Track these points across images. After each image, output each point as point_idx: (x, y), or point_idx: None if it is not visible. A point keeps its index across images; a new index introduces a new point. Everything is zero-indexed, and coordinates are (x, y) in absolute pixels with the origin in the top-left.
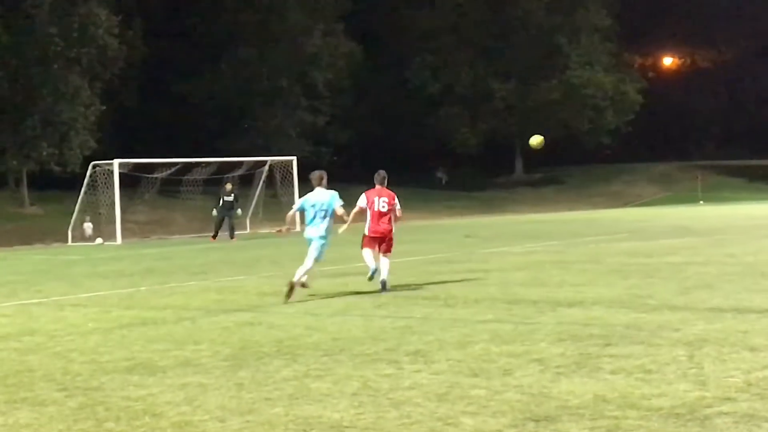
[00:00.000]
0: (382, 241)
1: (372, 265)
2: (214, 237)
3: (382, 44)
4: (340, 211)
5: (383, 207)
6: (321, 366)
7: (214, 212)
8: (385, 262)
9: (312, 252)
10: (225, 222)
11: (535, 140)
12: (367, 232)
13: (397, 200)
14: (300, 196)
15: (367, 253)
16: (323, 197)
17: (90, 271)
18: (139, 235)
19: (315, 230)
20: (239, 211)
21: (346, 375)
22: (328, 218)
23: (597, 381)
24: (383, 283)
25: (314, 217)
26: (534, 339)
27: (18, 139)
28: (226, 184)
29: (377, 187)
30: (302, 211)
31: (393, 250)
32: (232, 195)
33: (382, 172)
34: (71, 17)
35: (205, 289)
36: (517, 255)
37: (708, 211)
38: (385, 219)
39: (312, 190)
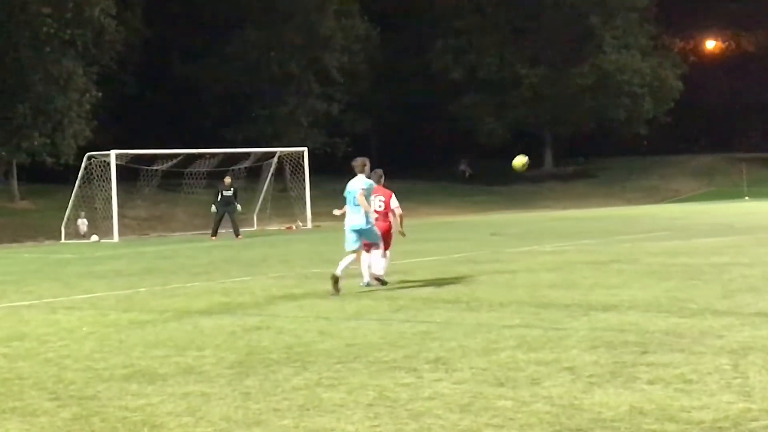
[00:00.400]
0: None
1: (367, 277)
2: (214, 235)
3: (401, 26)
4: (359, 196)
5: (379, 206)
6: (334, 374)
7: (213, 208)
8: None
9: (377, 243)
10: (226, 219)
11: (519, 161)
12: None
13: (394, 198)
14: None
15: (363, 259)
16: (358, 184)
17: (85, 271)
18: (137, 232)
19: (357, 218)
20: (239, 206)
21: (361, 384)
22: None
23: (633, 392)
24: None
25: (351, 207)
26: (565, 346)
27: (7, 128)
28: (225, 177)
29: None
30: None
31: (400, 249)
32: (232, 189)
33: (378, 171)
34: None
35: (209, 291)
36: (546, 254)
37: (754, 207)
38: (382, 218)
39: (353, 177)
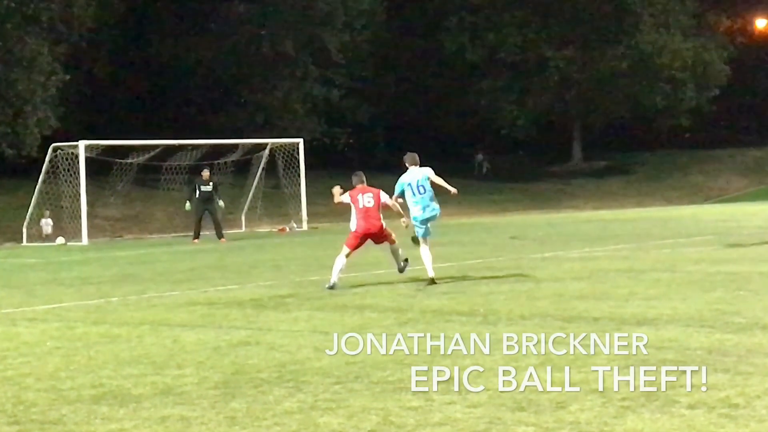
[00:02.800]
0: (375, 238)
1: (335, 278)
2: (196, 237)
3: (411, 0)
4: (437, 179)
5: (369, 202)
6: (332, 396)
7: (188, 206)
8: (395, 250)
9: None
10: (206, 218)
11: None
12: (354, 229)
13: (383, 193)
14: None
15: (340, 262)
16: (418, 174)
17: (49, 278)
18: (109, 233)
19: (424, 209)
20: (221, 202)
21: (362, 407)
22: (429, 191)
23: (671, 417)
24: (402, 268)
25: (414, 196)
26: (594, 365)
27: None
28: (203, 170)
29: (358, 186)
30: (402, 194)
31: (408, 253)
32: (211, 184)
33: (360, 173)
34: None
35: (191, 301)
36: (574, 261)
37: None
38: (374, 214)
39: (405, 171)
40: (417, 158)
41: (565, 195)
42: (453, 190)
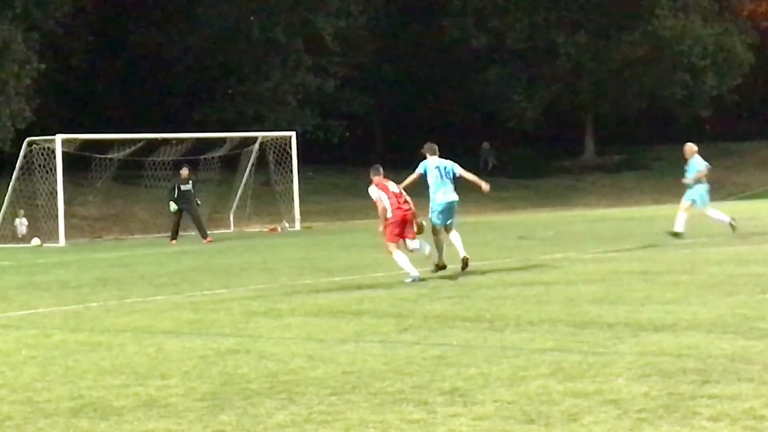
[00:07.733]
0: (408, 225)
1: (412, 269)
2: (174, 238)
3: None
4: (469, 175)
5: (395, 188)
6: (327, 408)
7: (173, 206)
8: (415, 245)
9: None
10: (186, 218)
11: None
12: (390, 217)
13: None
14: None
15: (400, 257)
16: (445, 162)
17: (24, 282)
18: (88, 234)
19: (447, 194)
20: (198, 201)
21: (360, 420)
22: (452, 182)
23: (692, 430)
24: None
25: (442, 180)
26: (609, 374)
27: None
28: (182, 168)
29: (376, 178)
30: (423, 175)
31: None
32: (190, 182)
33: (378, 166)
34: None
35: (176, 306)
36: (587, 263)
37: None
38: (404, 198)
39: (425, 159)
40: (436, 148)
41: (576, 192)
42: (485, 186)
